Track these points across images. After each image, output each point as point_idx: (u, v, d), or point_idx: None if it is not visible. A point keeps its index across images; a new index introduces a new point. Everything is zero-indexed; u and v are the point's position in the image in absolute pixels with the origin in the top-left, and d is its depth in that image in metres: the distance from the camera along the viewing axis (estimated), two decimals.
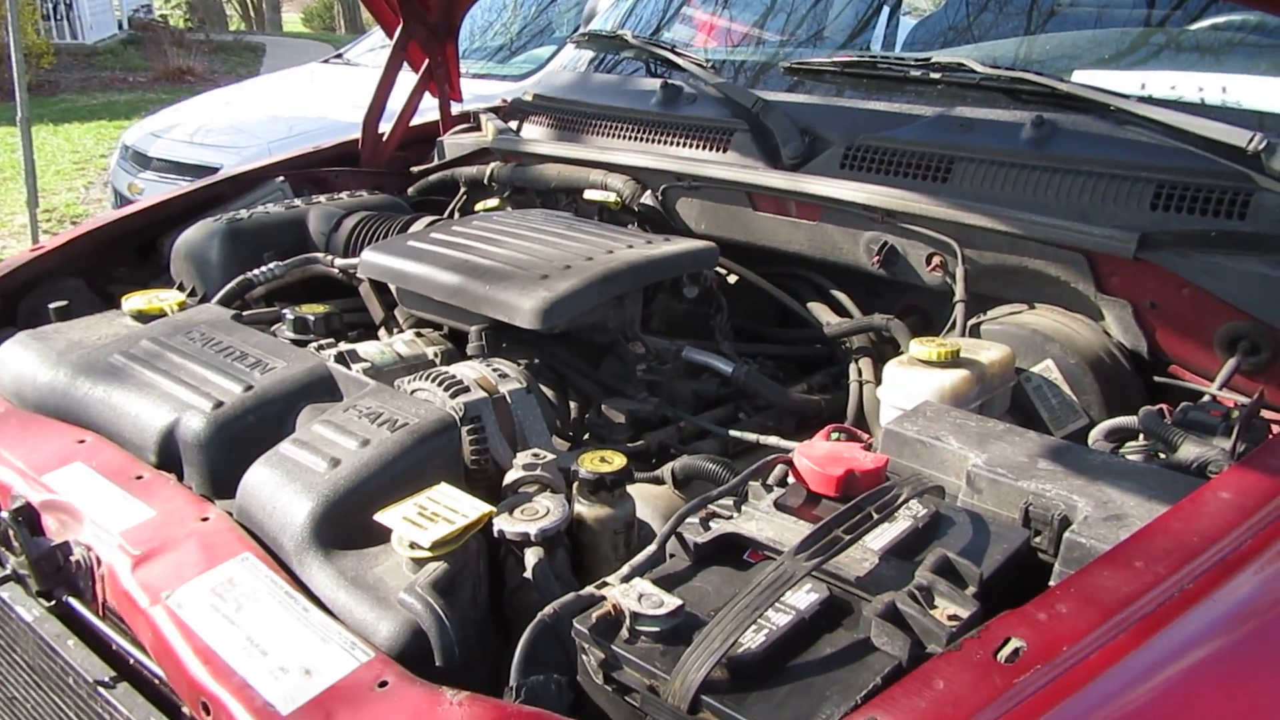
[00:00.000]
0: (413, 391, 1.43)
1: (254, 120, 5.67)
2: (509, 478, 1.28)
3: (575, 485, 1.28)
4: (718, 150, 2.13)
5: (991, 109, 1.88)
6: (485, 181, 2.39)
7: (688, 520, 1.10)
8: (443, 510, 1.05)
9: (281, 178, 2.42)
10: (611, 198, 2.12)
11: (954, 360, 1.49)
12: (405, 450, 1.16)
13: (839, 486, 1.16)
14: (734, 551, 1.08)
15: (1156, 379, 1.61)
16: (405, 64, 2.67)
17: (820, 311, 1.98)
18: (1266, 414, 1.40)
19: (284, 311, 1.78)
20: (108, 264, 2.12)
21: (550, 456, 1.31)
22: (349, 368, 1.50)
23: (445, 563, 1.01)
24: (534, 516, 1.15)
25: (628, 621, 0.94)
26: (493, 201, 2.32)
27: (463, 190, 2.45)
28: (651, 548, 1.07)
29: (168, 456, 1.28)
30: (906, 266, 1.84)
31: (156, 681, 1.06)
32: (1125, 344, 1.64)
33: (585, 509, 1.27)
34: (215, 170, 4.90)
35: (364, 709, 0.84)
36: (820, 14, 2.64)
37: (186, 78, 13.31)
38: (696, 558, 1.07)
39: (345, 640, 0.93)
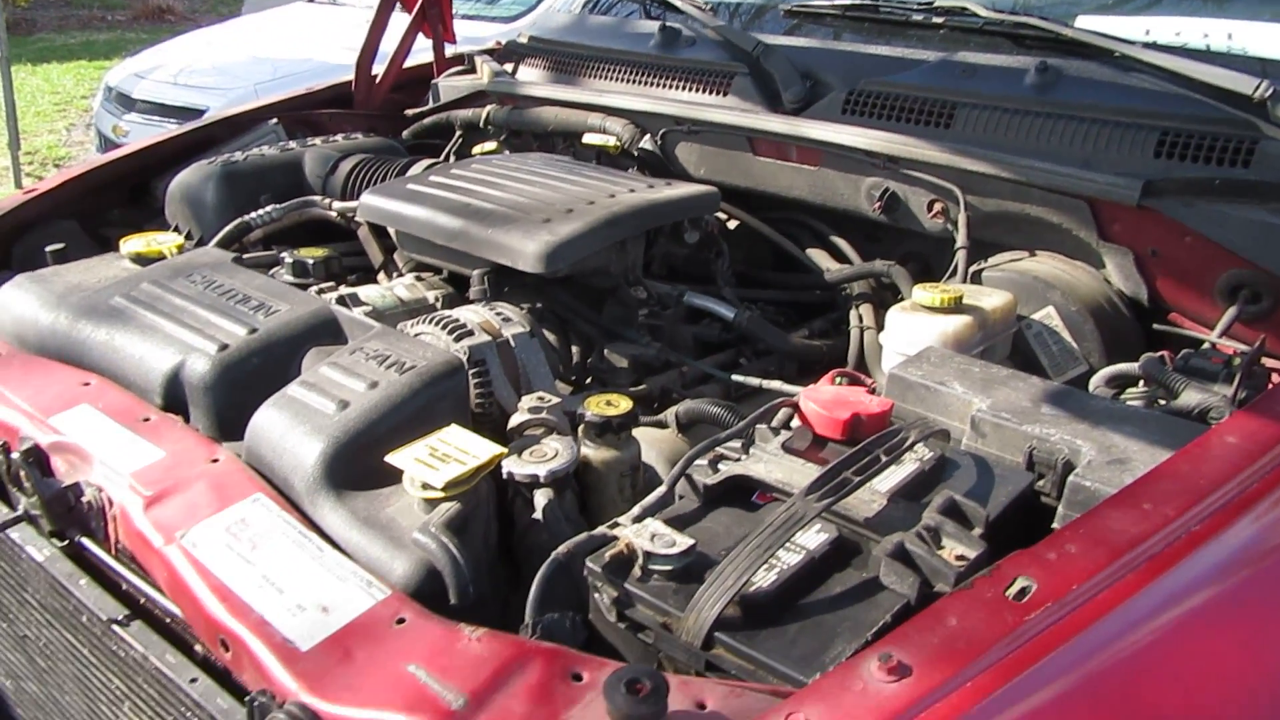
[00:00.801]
0: (416, 335, 1.43)
1: (239, 61, 5.57)
2: (514, 421, 1.29)
3: (581, 428, 1.29)
4: (718, 94, 2.11)
5: (995, 54, 1.86)
6: (481, 125, 2.36)
7: (696, 463, 1.11)
8: (454, 452, 1.05)
9: (275, 120, 2.39)
10: (610, 141, 2.10)
11: (957, 306, 1.50)
12: (414, 392, 1.16)
13: (845, 430, 1.17)
14: (742, 493, 1.10)
15: (1156, 327, 1.62)
16: (399, 6, 2.62)
17: (820, 258, 1.98)
18: (1267, 362, 1.42)
19: (282, 255, 1.77)
20: (101, 207, 2.10)
21: (555, 400, 1.32)
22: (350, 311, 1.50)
23: (458, 503, 1.02)
24: (543, 459, 1.15)
25: (640, 560, 0.95)
26: (490, 145, 2.30)
27: (458, 133, 2.42)
28: (661, 489, 1.08)
29: (173, 399, 1.28)
30: (908, 213, 1.84)
31: (168, 620, 1.07)
32: (1126, 291, 1.65)
33: (591, 451, 1.28)
34: (201, 113, 4.82)
35: (383, 645, 0.85)
36: None
37: (166, 17, 13.01)
38: (706, 499, 1.08)
39: (361, 578, 0.94)
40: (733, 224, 2.04)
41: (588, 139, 2.14)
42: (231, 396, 1.26)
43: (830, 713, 0.71)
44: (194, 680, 1.00)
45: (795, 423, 1.24)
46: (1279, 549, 0.87)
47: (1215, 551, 0.85)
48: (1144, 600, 0.80)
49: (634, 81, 2.25)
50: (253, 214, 1.90)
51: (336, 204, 1.95)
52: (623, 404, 1.30)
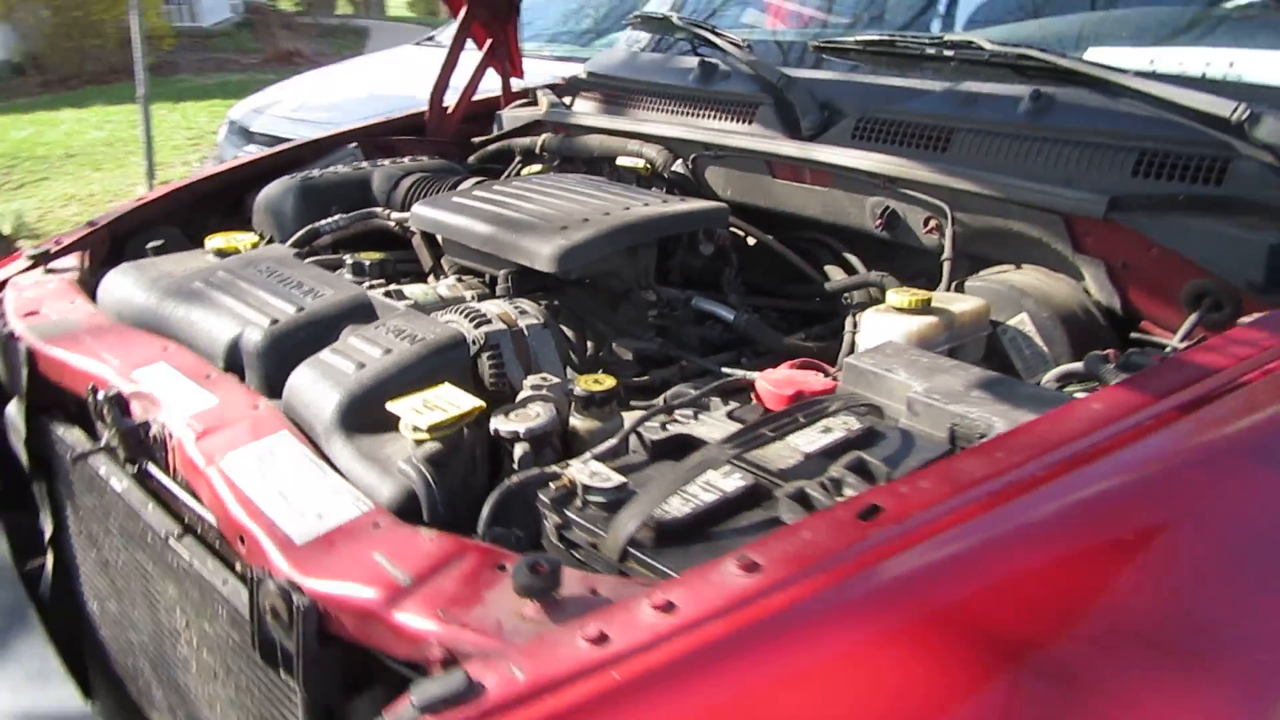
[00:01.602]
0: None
1: (349, 98, 6.00)
2: (519, 397, 1.50)
3: (571, 401, 1.48)
4: (743, 122, 2.30)
5: (997, 84, 2.00)
6: (537, 151, 2.61)
7: (648, 424, 1.29)
8: (443, 403, 1.26)
9: (354, 144, 2.69)
10: (641, 164, 2.32)
11: (924, 308, 1.64)
12: (419, 359, 1.38)
13: (788, 404, 1.33)
14: (686, 450, 1.26)
15: (1133, 335, 1.73)
16: (471, 42, 2.90)
17: (834, 273, 2.13)
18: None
19: (344, 257, 2.04)
20: (202, 215, 2.42)
21: (555, 380, 1.52)
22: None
23: (440, 444, 1.22)
24: (525, 419, 1.36)
25: (580, 493, 1.14)
26: (537, 167, 2.54)
27: (517, 159, 2.67)
28: (613, 440, 1.26)
29: (232, 363, 1.53)
30: (906, 229, 1.99)
31: (209, 529, 1.31)
32: (1101, 301, 1.75)
33: (579, 421, 1.47)
34: None
35: (359, 541, 1.06)
36: None
37: (295, 59, 13.98)
38: (652, 453, 1.26)
39: (353, 496, 1.15)
40: (751, 240, 2.22)
41: (621, 161, 2.36)
42: (279, 362, 1.50)
43: (688, 594, 0.88)
44: (225, 582, 1.24)
45: (753, 400, 1.41)
46: (1110, 494, 0.99)
47: (1053, 494, 0.98)
48: (974, 526, 0.94)
49: (673, 111, 2.47)
50: (323, 221, 2.18)
51: (395, 215, 2.22)
52: (608, 382, 1.48)
